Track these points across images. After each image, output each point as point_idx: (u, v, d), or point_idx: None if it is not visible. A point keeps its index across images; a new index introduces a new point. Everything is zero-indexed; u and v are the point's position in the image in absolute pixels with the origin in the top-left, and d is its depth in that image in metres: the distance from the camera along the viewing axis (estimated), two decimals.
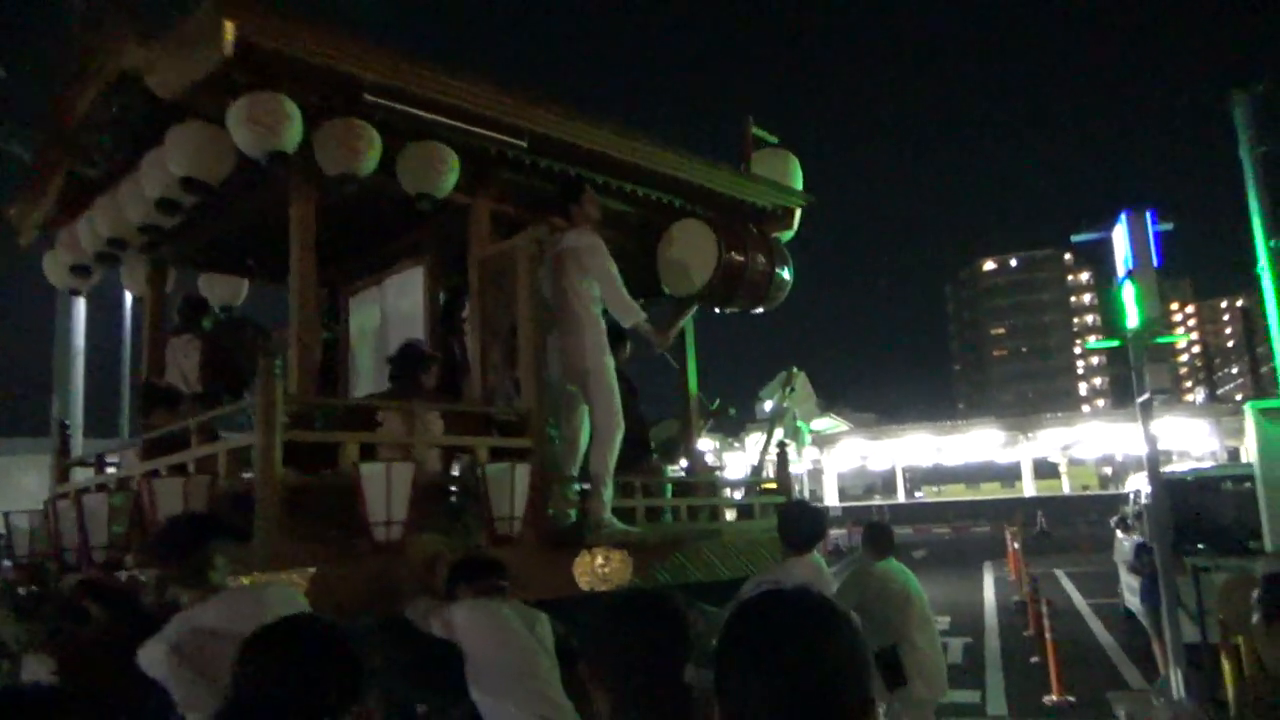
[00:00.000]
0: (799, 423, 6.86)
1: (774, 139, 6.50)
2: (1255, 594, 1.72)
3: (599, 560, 4.45)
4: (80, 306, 12.39)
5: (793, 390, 6.69)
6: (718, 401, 6.77)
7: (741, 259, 5.52)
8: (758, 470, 6.39)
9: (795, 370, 6.78)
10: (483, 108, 4.39)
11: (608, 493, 4.66)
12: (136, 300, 6.34)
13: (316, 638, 1.46)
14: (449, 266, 5.47)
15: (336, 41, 3.94)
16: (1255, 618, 1.69)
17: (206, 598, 2.88)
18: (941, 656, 5.57)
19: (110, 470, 5.43)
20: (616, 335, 6.34)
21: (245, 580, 3.16)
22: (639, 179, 5.33)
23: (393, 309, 5.86)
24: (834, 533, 23.62)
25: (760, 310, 5.99)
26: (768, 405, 7.35)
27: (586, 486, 4.71)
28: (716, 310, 6.01)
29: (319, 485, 3.74)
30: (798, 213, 6.37)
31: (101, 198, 4.97)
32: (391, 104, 4.09)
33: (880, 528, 5.82)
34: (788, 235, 6.35)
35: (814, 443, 37.07)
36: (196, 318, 6.00)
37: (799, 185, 6.42)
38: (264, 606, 2.74)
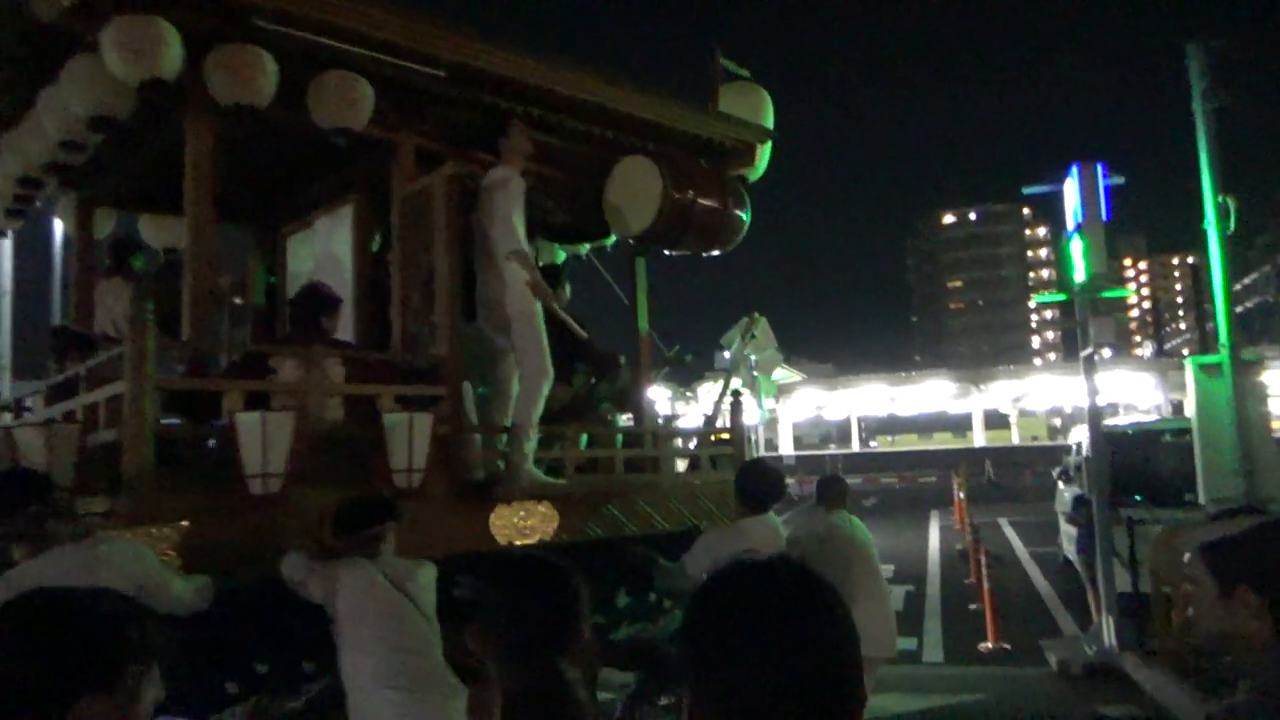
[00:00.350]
0: (756, 373, 6.60)
1: (744, 72, 6.20)
2: (1197, 560, 1.63)
3: (519, 514, 4.33)
4: (5, 246, 11.93)
5: (753, 337, 6.39)
6: (676, 348, 6.58)
7: (689, 198, 5.23)
8: (710, 420, 6.17)
9: (756, 316, 6.44)
10: (393, 35, 4.12)
11: (530, 444, 4.50)
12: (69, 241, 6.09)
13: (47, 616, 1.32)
14: (380, 206, 5.26)
15: None
16: (1203, 586, 1.61)
17: (37, 553, 2.73)
18: (890, 614, 5.42)
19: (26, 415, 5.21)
20: (554, 277, 6.17)
21: (116, 534, 3.00)
22: (577, 113, 5.04)
23: (324, 251, 5.63)
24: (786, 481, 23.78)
25: (715, 252, 5.73)
26: (727, 354, 7.03)
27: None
28: (666, 252, 5.79)
29: (195, 436, 3.58)
30: (763, 149, 6.03)
31: (7, 135, 4.67)
32: (284, 29, 3.79)
33: (833, 479, 5.70)
34: (758, 172, 6.07)
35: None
36: (126, 259, 5.70)
37: (769, 121, 6.11)
38: (98, 563, 2.62)
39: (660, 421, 7.44)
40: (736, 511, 4.55)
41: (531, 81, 4.68)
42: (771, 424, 45.51)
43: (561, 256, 6.60)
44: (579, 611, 1.80)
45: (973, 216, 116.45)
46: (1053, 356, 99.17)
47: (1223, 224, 7.92)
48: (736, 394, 6.17)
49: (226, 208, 5.96)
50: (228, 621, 3.23)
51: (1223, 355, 7.87)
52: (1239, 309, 9.48)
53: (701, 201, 5.29)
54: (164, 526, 3.17)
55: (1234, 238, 8.33)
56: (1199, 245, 8.80)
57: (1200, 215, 8.34)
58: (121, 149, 4.70)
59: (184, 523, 3.22)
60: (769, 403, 6.72)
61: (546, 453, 4.98)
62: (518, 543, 4.30)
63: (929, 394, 49.38)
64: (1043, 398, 48.79)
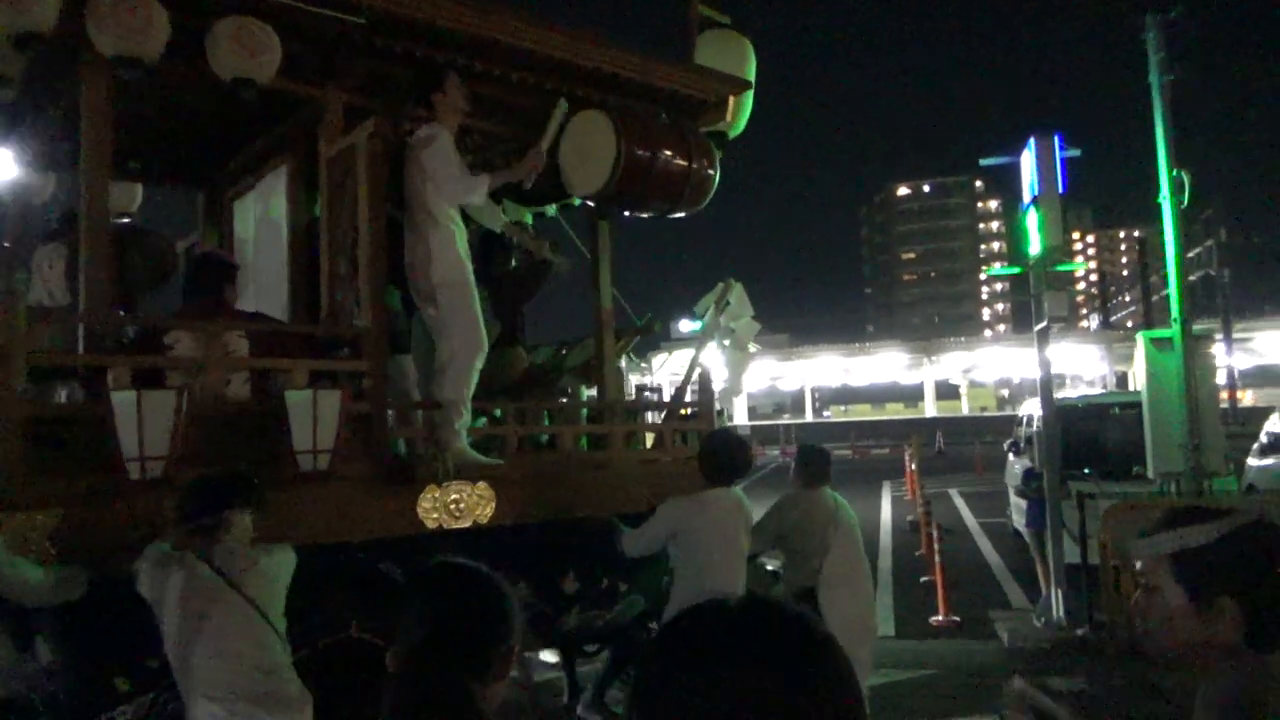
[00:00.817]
0: (727, 343, 6.14)
1: (724, 19, 5.76)
2: (1164, 571, 1.49)
3: (451, 496, 4.08)
4: None
5: (728, 304, 5.90)
6: (648, 315, 6.21)
7: (648, 155, 4.87)
8: (679, 394, 5.79)
9: (731, 282, 5.94)
10: None
11: (461, 421, 4.27)
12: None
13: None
14: (316, 169, 4.97)
15: None
16: (1170, 596, 1.47)
17: None
18: (870, 605, 4.96)
19: None
20: (496, 242, 5.81)
21: None
22: (522, 65, 4.72)
23: (262, 215, 5.31)
24: None
25: (680, 214, 5.32)
26: (697, 324, 6.57)
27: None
28: (626, 214, 5.42)
29: (75, 416, 3.32)
30: (740, 102, 5.58)
31: None
32: None
33: (815, 451, 5.18)
34: (737, 127, 5.64)
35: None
36: (67, 224, 5.40)
37: (751, 72, 5.66)
38: None
39: (630, 395, 7.14)
40: (702, 485, 4.37)
41: (466, 30, 4.35)
42: (725, 394, 45.44)
43: (528, 218, 6.26)
44: (503, 630, 1.60)
45: (926, 189, 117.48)
46: (1002, 328, 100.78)
47: (1177, 198, 7.91)
48: (704, 367, 5.82)
49: (176, 169, 5.76)
50: (113, 614, 2.99)
51: (1174, 330, 7.89)
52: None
53: (662, 159, 4.93)
54: (37, 514, 2.91)
55: (1182, 212, 8.34)
56: (1146, 219, 8.81)
57: (1153, 189, 8.33)
58: (36, 109, 4.35)
59: (59, 510, 2.96)
60: (745, 374, 6.19)
61: (500, 429, 4.77)
62: (448, 526, 4.05)
63: (882, 365, 49.90)
64: (992, 369, 49.57)
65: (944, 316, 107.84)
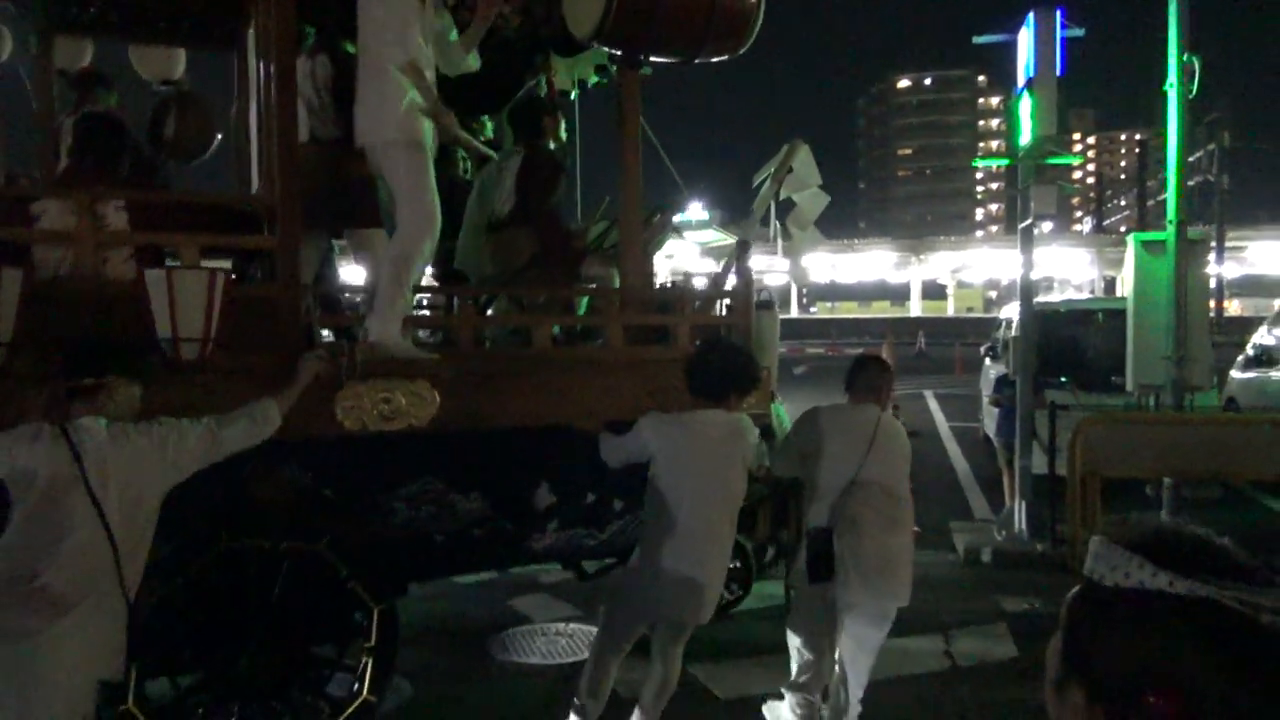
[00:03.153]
0: (790, 223, 5.00)
1: None
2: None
3: (379, 394, 3.58)
4: None
5: (790, 170, 4.88)
6: (683, 196, 5.38)
7: None
8: (720, 279, 4.87)
9: (797, 143, 4.96)
10: None
11: (395, 308, 3.72)
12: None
13: None
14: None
15: None
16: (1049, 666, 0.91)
17: None
18: (904, 550, 3.83)
19: None
20: (537, 106, 5.06)
21: None
22: None
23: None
24: None
25: (715, 56, 4.38)
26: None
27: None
28: (645, 59, 4.44)
29: None
30: None
31: None
32: None
33: (868, 361, 4.19)
34: None
35: (708, 253, 35.54)
36: (90, 92, 4.98)
37: None
38: None
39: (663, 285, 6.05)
40: (690, 402, 3.64)
41: None
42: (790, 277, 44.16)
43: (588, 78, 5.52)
44: None
45: (927, 82, 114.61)
46: (994, 229, 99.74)
47: (1185, 86, 7.24)
48: (745, 244, 4.83)
49: (208, 30, 5.17)
50: None
51: (1169, 232, 7.33)
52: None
53: None
54: None
55: (1188, 108, 7.69)
56: (1148, 122, 8.16)
57: (1161, 89, 7.64)
58: None
59: None
60: (806, 259, 5.30)
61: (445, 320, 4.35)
62: (375, 428, 3.59)
63: (870, 263, 49.39)
64: (981, 270, 49.12)
65: (937, 215, 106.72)
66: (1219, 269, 29.09)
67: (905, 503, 3.86)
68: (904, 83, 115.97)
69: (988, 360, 11.95)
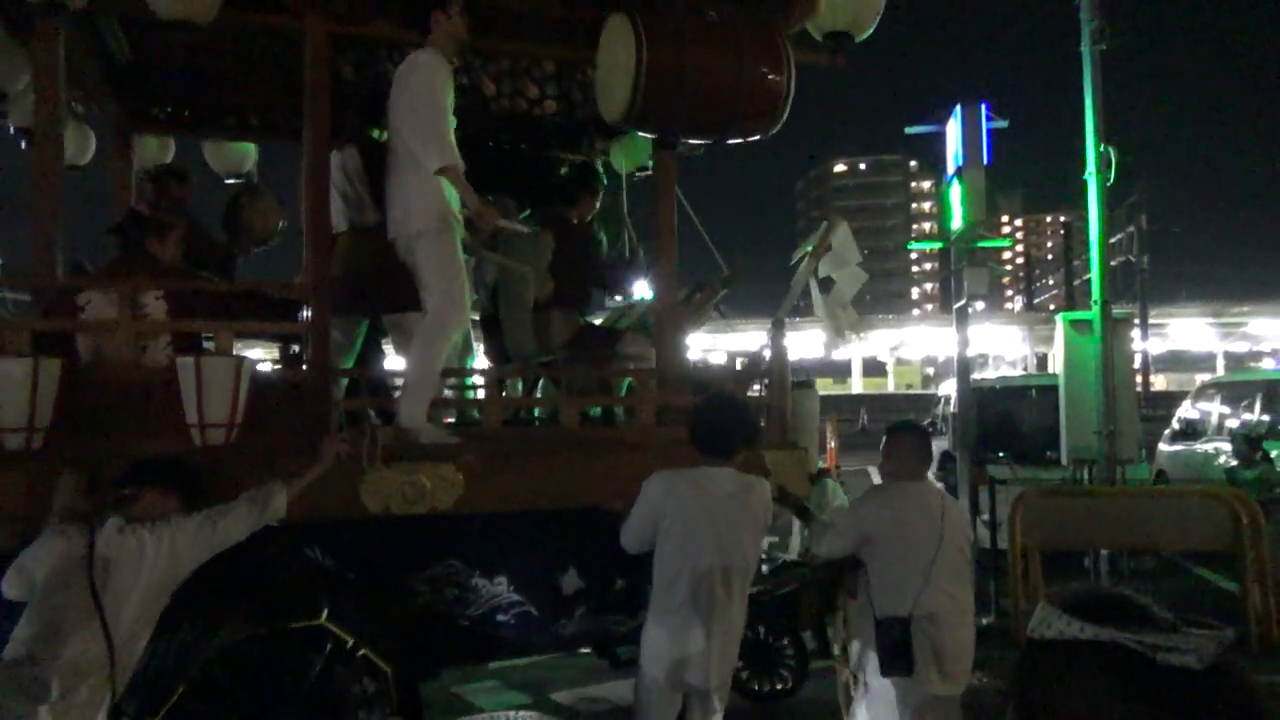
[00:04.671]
0: (830, 301, 4.97)
1: None
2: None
3: (403, 477, 3.54)
4: None
5: (829, 248, 4.84)
6: (739, 260, 5.34)
7: (679, 61, 3.88)
8: (754, 357, 4.81)
9: (835, 219, 4.96)
10: None
11: (422, 392, 3.76)
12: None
13: None
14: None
15: None
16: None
17: None
18: (971, 631, 3.70)
19: None
20: (579, 183, 5.10)
21: None
22: None
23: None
24: None
25: (745, 136, 4.30)
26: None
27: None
28: (676, 141, 4.37)
29: None
30: None
31: None
32: None
33: (912, 430, 3.96)
34: (862, 27, 4.41)
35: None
36: (166, 187, 5.19)
37: None
38: None
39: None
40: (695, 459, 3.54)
41: None
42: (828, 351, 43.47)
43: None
44: None
45: (862, 166, 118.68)
46: (930, 307, 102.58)
47: (1103, 174, 7.67)
48: (780, 322, 4.76)
49: (274, 124, 5.51)
50: None
51: (1094, 311, 7.67)
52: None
53: (702, 67, 3.92)
54: None
55: (1107, 193, 8.13)
56: (1072, 205, 8.61)
57: (1081, 171, 8.09)
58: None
59: None
60: (850, 334, 5.07)
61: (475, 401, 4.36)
62: (398, 511, 3.55)
63: (812, 341, 50.17)
64: (919, 346, 50.24)
65: (875, 293, 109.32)
66: (1144, 345, 30.17)
67: (972, 587, 3.74)
68: (840, 167, 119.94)
69: None
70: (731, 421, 3.50)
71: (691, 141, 4.47)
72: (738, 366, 4.83)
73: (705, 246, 5.35)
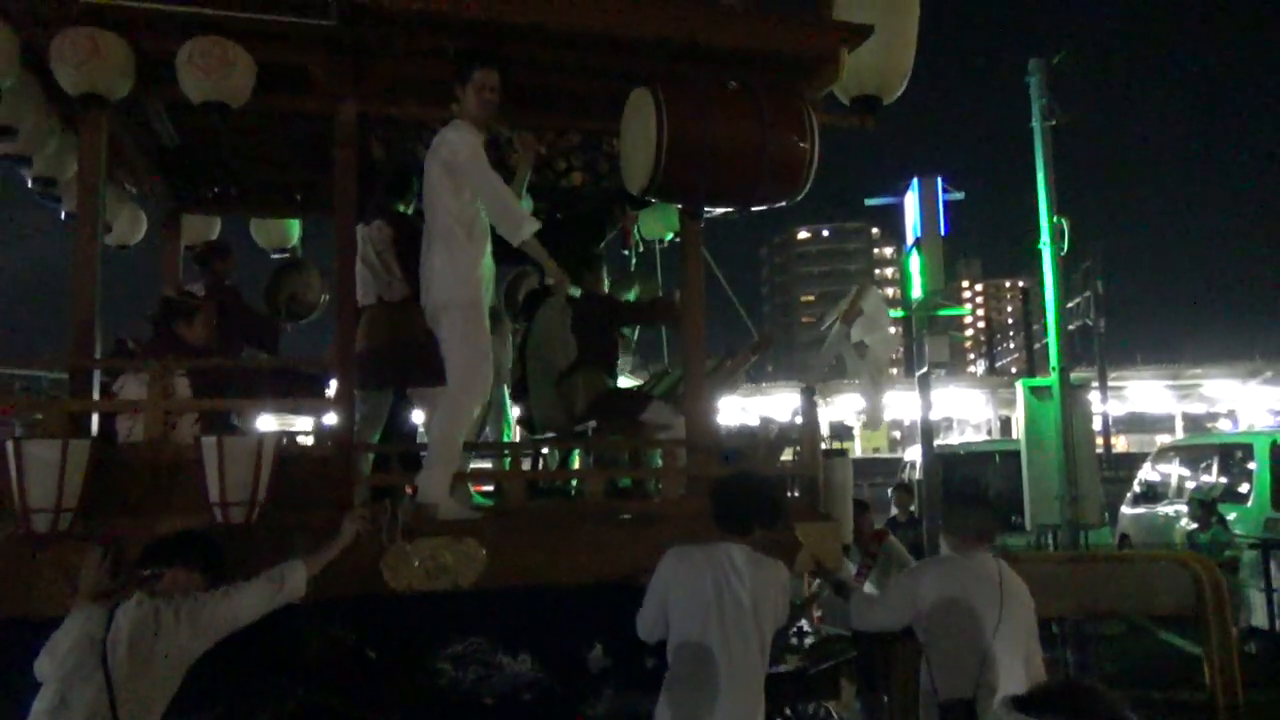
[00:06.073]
0: (865, 368, 4.82)
1: None
2: None
3: (425, 553, 3.51)
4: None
5: (861, 313, 4.81)
6: (765, 329, 5.32)
7: (698, 132, 3.87)
8: (785, 427, 4.67)
9: (866, 285, 4.95)
10: None
11: (444, 467, 3.75)
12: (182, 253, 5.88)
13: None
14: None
15: None
16: None
17: None
18: None
19: None
20: (583, 259, 5.12)
21: None
22: (561, 44, 4.00)
23: None
24: None
25: (768, 204, 4.29)
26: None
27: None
28: (700, 209, 4.39)
29: None
30: (889, 57, 4.36)
31: None
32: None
33: (973, 500, 3.87)
34: (891, 88, 4.44)
35: None
36: (210, 264, 5.44)
37: (910, 20, 4.45)
38: None
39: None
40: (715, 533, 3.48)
41: (460, 12, 3.79)
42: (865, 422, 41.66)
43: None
44: None
45: (825, 233, 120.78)
46: (895, 371, 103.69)
47: (1057, 244, 7.88)
48: (810, 390, 4.74)
49: (316, 200, 5.68)
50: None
51: (1053, 378, 7.82)
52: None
53: (723, 136, 3.90)
54: None
55: (1063, 260, 8.35)
56: (1031, 269, 8.81)
57: (1036, 236, 8.30)
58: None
59: None
60: (883, 401, 5.02)
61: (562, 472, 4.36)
62: (421, 588, 3.52)
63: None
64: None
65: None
66: (1104, 408, 30.64)
67: (1040, 663, 3.56)
68: (803, 234, 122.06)
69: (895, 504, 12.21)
70: (749, 500, 3.40)
71: (717, 209, 4.45)
72: (769, 433, 4.74)
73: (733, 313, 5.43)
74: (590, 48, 4.05)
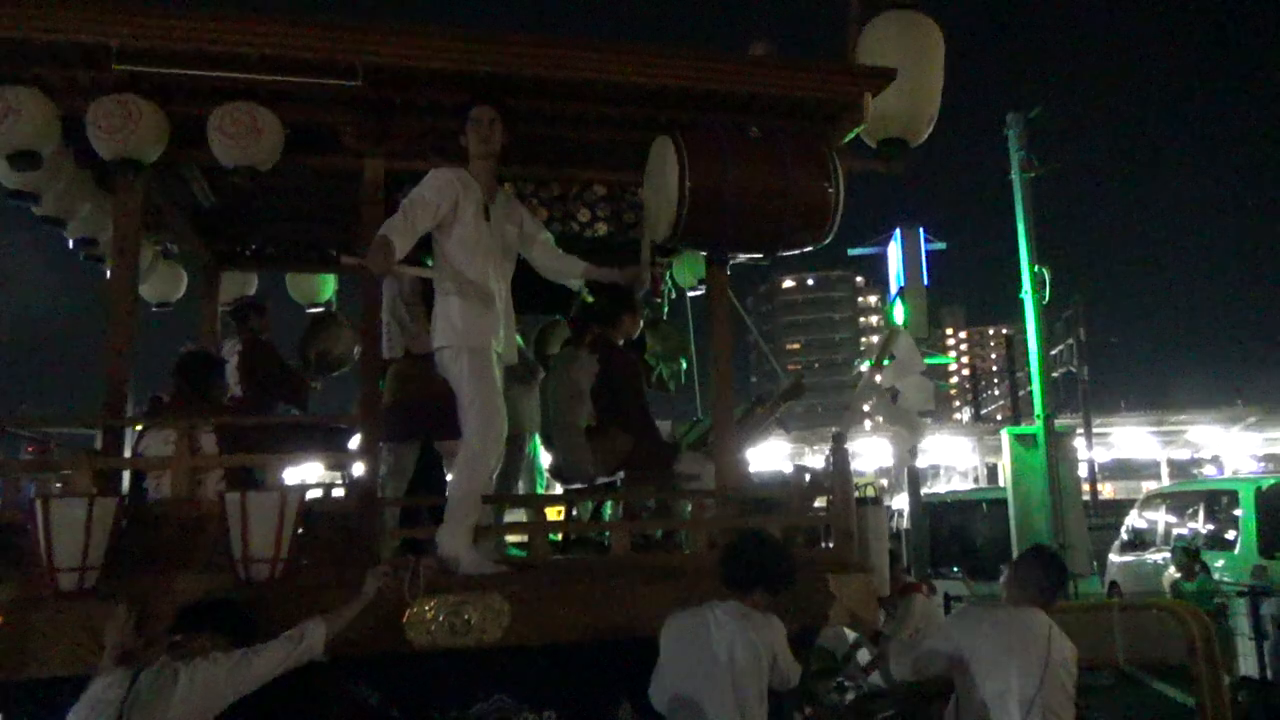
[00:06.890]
0: (898, 412, 4.76)
1: None
2: None
3: (447, 609, 3.44)
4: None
5: (892, 358, 4.77)
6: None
7: (719, 178, 3.89)
8: (816, 476, 4.57)
9: (897, 329, 5.10)
10: (279, 49, 3.68)
11: (465, 520, 3.70)
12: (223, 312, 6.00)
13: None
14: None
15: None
16: None
17: None
18: None
19: None
20: (618, 304, 4.97)
21: None
22: (567, 95, 4.09)
23: None
24: None
25: (794, 249, 4.29)
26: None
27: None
28: (725, 255, 4.39)
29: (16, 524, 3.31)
30: (912, 102, 4.39)
31: None
32: (147, 69, 3.64)
33: (1042, 557, 3.75)
34: (918, 130, 4.46)
35: None
36: (245, 319, 5.58)
37: (935, 64, 4.48)
38: None
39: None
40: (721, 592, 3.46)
41: (481, 68, 3.89)
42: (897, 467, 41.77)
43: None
44: None
45: (810, 282, 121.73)
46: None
47: (1038, 293, 7.96)
48: (840, 436, 4.54)
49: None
50: None
51: (1037, 426, 7.84)
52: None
53: (744, 183, 3.93)
54: None
55: (1045, 309, 8.43)
56: (1014, 317, 8.89)
57: (1018, 285, 8.39)
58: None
59: None
60: (918, 443, 5.00)
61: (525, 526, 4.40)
62: (444, 645, 3.44)
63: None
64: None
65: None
66: (1090, 454, 30.70)
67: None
68: (788, 283, 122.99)
69: None
70: (757, 561, 3.38)
71: (743, 256, 4.50)
72: (803, 482, 4.65)
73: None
74: (610, 99, 4.11)
